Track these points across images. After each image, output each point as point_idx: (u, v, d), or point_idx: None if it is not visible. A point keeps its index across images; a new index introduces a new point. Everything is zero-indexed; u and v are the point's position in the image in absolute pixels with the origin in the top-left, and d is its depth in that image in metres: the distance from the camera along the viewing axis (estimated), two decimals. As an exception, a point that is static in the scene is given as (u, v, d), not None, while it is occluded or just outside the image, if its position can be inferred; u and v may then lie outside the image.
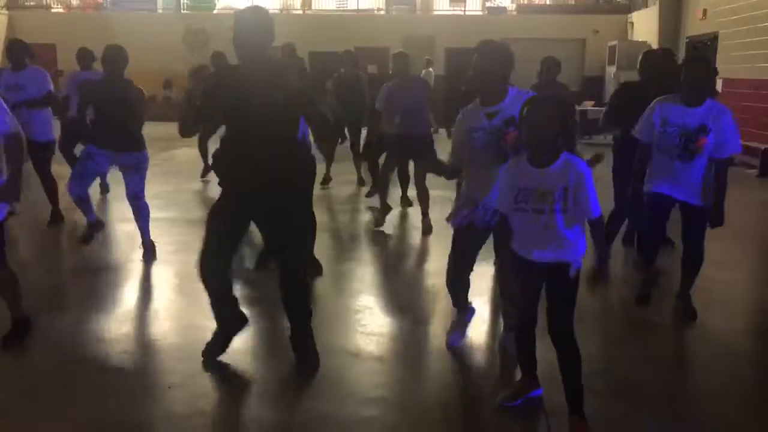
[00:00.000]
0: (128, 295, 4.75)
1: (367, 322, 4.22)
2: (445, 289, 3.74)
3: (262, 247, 4.96)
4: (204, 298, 3.51)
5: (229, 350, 3.73)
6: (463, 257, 3.61)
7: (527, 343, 3.12)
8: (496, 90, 3.33)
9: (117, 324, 4.13)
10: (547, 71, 6.92)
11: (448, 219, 3.62)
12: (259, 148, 3.24)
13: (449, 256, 3.67)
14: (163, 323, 4.13)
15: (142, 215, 5.41)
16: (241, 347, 3.88)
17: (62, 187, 6.38)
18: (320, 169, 8.63)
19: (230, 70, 3.31)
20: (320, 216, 6.33)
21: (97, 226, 5.75)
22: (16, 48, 6.28)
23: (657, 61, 5.07)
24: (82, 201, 5.50)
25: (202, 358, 3.52)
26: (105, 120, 5.21)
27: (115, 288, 4.84)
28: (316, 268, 5.13)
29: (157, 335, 3.96)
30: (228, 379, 3.47)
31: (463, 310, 3.84)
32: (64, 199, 5.99)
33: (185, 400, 3.25)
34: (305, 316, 3.63)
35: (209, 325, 3.64)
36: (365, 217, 7.12)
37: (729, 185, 4.01)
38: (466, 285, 3.73)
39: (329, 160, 8.66)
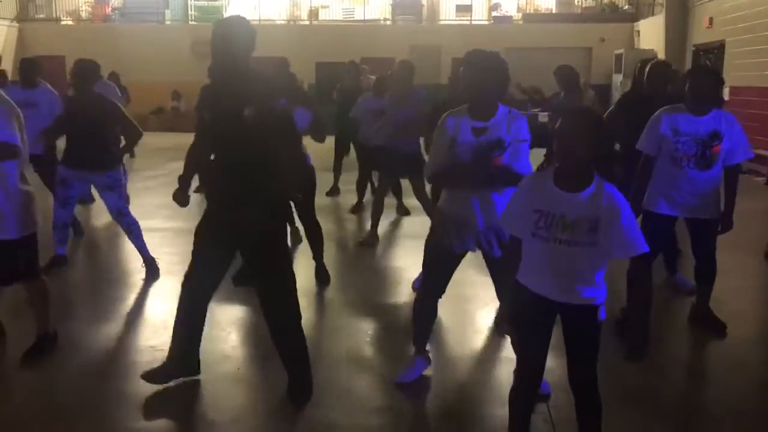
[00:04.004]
0: (135, 306, 4.75)
1: (373, 332, 4.21)
2: (450, 298, 3.65)
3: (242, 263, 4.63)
4: (210, 309, 3.49)
5: (235, 358, 3.74)
6: (438, 282, 3.38)
7: (527, 403, 2.67)
8: (490, 105, 3.09)
9: (125, 335, 4.16)
10: (567, 83, 6.36)
11: (429, 242, 3.33)
12: (231, 166, 3.08)
13: (422, 282, 3.49)
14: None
15: (133, 232, 5.22)
16: (246, 354, 3.88)
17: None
18: (327, 177, 8.70)
19: (210, 83, 3.14)
20: (327, 225, 6.36)
21: (62, 262, 5.34)
22: (29, 66, 6.35)
23: (668, 74, 5.03)
24: (65, 228, 5.30)
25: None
26: (78, 138, 5.02)
27: (121, 300, 4.83)
28: (324, 277, 5.14)
29: (164, 346, 3.95)
30: (233, 387, 3.46)
31: (420, 355, 3.53)
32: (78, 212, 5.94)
33: (189, 408, 3.27)
34: (301, 351, 3.33)
35: (216, 334, 3.63)
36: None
37: (737, 194, 3.99)
38: (433, 317, 3.51)
39: (337, 172, 8.67)
